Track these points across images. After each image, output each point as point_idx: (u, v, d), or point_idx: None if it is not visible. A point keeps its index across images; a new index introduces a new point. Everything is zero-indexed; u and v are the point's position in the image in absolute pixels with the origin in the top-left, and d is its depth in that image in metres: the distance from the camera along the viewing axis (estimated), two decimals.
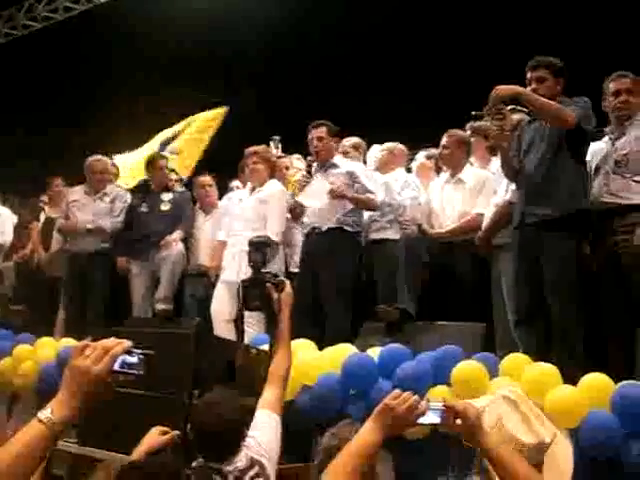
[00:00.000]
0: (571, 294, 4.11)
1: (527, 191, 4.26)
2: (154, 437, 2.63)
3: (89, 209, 6.31)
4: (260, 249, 3.15)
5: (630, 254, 4.06)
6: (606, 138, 4.43)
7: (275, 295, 2.92)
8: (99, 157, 6.44)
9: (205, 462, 2.48)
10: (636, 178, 4.13)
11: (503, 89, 4.11)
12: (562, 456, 2.10)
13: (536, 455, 2.04)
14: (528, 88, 4.22)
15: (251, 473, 2.45)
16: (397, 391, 1.97)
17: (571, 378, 3.64)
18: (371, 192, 5.24)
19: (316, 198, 5.23)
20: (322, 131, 5.28)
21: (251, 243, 3.20)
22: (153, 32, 10.54)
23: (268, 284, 2.96)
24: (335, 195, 5.12)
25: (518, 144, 4.39)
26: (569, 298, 4.10)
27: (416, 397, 1.95)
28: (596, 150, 4.47)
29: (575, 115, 4.05)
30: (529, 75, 4.28)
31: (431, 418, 1.96)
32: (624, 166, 4.15)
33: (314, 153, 5.34)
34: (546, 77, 4.22)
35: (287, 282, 2.98)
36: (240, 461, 2.46)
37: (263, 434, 2.59)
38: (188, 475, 2.20)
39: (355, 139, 5.93)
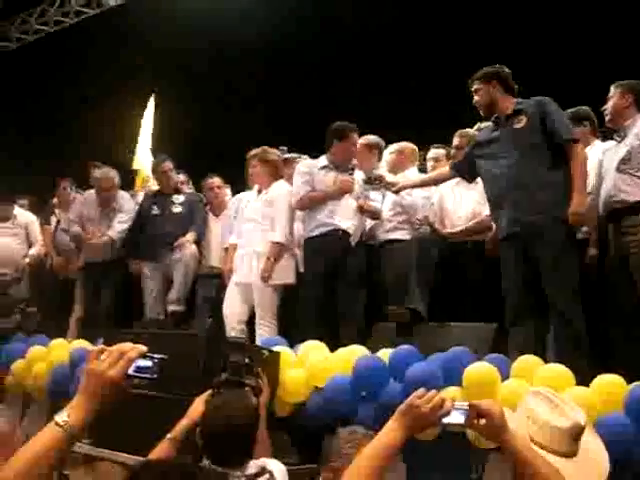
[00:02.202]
0: (573, 285, 4.16)
1: (508, 199, 4.32)
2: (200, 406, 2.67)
3: (100, 224, 6.33)
4: (240, 351, 3.17)
5: (637, 256, 4.08)
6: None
7: (254, 399, 2.91)
8: (106, 173, 6.42)
9: (211, 465, 2.46)
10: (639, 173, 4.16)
11: None
12: (595, 448, 2.10)
13: (571, 440, 2.03)
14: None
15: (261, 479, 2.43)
16: (422, 390, 1.93)
17: (578, 372, 3.67)
18: (379, 201, 5.33)
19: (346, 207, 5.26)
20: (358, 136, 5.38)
21: (231, 344, 3.22)
22: (163, 35, 10.56)
23: (247, 388, 2.95)
24: (363, 211, 5.27)
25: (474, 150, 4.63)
26: (571, 289, 4.15)
27: (440, 396, 1.93)
28: (606, 150, 4.50)
29: (575, 138, 4.27)
30: None
31: (455, 418, 1.91)
32: (628, 162, 4.20)
33: (353, 156, 5.38)
34: (478, 87, 4.52)
35: (265, 382, 2.96)
36: (250, 468, 2.44)
37: (274, 464, 2.58)
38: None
39: (375, 138, 5.93)
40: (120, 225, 6.27)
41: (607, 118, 4.52)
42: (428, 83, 9.00)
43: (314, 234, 5.24)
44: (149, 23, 10.78)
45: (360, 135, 5.50)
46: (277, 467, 2.54)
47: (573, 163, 4.20)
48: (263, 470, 2.43)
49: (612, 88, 4.45)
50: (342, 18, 9.87)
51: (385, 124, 6.66)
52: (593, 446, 2.10)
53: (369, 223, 5.47)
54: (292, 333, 5.04)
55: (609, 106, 4.44)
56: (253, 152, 5.68)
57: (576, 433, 2.04)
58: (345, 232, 5.19)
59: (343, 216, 5.21)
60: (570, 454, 2.03)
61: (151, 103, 8.79)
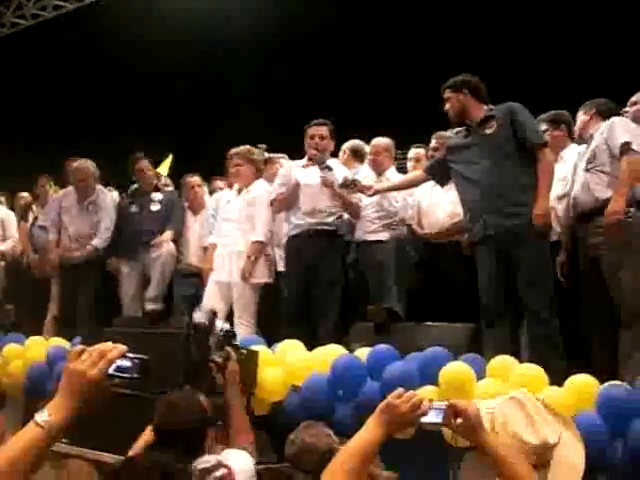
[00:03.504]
0: (548, 286, 4.26)
1: (482, 203, 4.39)
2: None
3: (79, 221, 6.29)
4: (204, 333, 3.16)
5: (608, 256, 4.15)
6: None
7: (219, 375, 2.89)
8: (82, 163, 6.37)
9: (177, 461, 2.44)
10: (605, 169, 4.25)
11: None
12: (572, 457, 2.13)
13: (540, 455, 2.07)
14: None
15: (216, 474, 2.38)
16: (400, 389, 1.97)
17: (553, 372, 3.73)
18: (359, 198, 5.29)
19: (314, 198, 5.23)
20: (324, 130, 5.27)
21: (195, 327, 3.21)
22: (145, 32, 10.51)
23: (211, 364, 2.92)
24: (326, 185, 5.14)
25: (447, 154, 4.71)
26: (546, 290, 4.23)
27: (419, 396, 1.96)
28: (582, 152, 4.59)
29: (544, 142, 4.40)
30: None
31: (433, 417, 1.96)
32: (593, 161, 4.30)
33: (313, 151, 5.26)
34: (449, 96, 4.61)
35: (232, 357, 2.95)
36: (207, 462, 2.42)
37: (237, 460, 2.57)
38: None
39: (358, 143, 5.93)
40: (106, 232, 6.21)
41: (576, 135, 4.71)
42: (405, 86, 9.05)
43: (291, 234, 5.27)
44: (130, 19, 10.72)
45: (334, 133, 5.44)
46: (239, 463, 2.52)
47: (539, 166, 4.31)
48: (219, 464, 2.41)
49: (579, 111, 4.62)
50: (324, 19, 9.89)
51: (361, 124, 6.69)
52: (570, 448, 2.13)
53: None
54: (270, 332, 5.06)
55: (577, 124, 4.62)
56: (237, 150, 5.64)
57: (543, 451, 2.08)
58: (319, 231, 5.19)
59: (318, 214, 5.21)
60: (538, 465, 2.06)
61: (168, 161, 8.53)
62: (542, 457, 2.07)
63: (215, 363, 2.92)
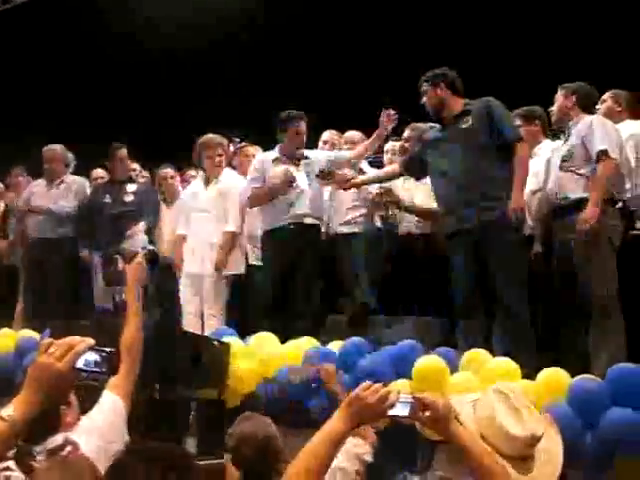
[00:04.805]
0: (520, 280, 4.29)
1: (456, 197, 4.41)
2: None
3: (46, 196, 6.29)
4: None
5: (578, 251, 4.18)
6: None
7: (120, 266, 2.89)
8: (52, 146, 6.38)
9: (24, 444, 2.41)
10: (581, 171, 4.27)
11: None
12: (553, 450, 2.13)
13: (525, 448, 2.06)
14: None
15: (62, 453, 2.29)
16: (368, 382, 1.97)
17: (524, 366, 3.77)
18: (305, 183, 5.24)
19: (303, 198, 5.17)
20: (305, 124, 5.25)
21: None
22: (119, 20, 10.38)
23: (116, 256, 2.93)
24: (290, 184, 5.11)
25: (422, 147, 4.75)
26: (518, 284, 4.27)
27: (387, 389, 1.95)
28: (554, 149, 4.61)
29: (520, 137, 4.45)
30: None
31: (400, 410, 1.95)
32: (569, 160, 4.31)
33: (299, 145, 5.24)
34: (425, 89, 4.61)
35: (139, 255, 2.90)
36: (55, 442, 2.38)
37: (93, 414, 2.47)
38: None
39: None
40: (64, 203, 6.22)
41: (553, 119, 4.65)
42: (380, 77, 9.03)
43: (270, 227, 5.18)
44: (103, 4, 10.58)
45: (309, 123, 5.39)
46: (87, 433, 2.42)
47: (515, 161, 4.34)
48: (65, 442, 2.36)
49: (558, 90, 4.57)
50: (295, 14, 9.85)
51: (335, 115, 6.68)
52: (549, 445, 2.13)
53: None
54: (242, 324, 5.02)
55: (555, 107, 4.57)
56: (220, 140, 5.59)
57: (531, 443, 2.07)
58: (302, 224, 5.15)
59: (300, 207, 5.19)
60: (522, 458, 2.06)
61: None
62: (529, 449, 2.07)
63: (121, 255, 2.91)
